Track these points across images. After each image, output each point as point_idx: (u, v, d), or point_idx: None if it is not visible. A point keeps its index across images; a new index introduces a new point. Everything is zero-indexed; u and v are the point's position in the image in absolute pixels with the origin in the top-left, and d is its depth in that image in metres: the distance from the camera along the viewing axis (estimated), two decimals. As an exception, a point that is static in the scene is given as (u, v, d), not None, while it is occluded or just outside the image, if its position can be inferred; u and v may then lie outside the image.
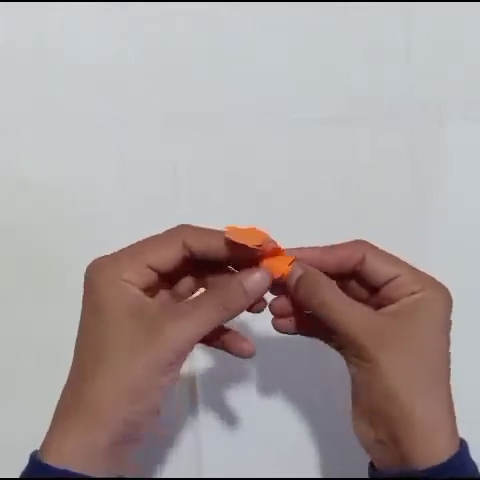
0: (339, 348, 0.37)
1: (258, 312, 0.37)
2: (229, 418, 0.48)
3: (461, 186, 0.51)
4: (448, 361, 0.35)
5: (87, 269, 0.35)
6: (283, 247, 0.37)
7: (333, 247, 0.37)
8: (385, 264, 0.36)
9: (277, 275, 0.36)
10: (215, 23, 0.51)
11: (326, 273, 0.36)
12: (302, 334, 0.39)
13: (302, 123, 0.51)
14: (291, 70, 0.51)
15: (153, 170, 0.50)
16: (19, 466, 0.34)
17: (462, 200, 0.51)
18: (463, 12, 0.52)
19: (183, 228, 0.36)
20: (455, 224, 0.51)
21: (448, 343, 0.35)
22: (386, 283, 0.36)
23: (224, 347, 0.38)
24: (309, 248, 0.37)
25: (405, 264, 0.36)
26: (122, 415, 0.33)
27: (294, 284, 0.36)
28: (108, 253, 0.36)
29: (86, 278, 0.35)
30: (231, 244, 0.35)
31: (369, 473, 0.37)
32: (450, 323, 0.35)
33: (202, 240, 0.36)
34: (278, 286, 0.37)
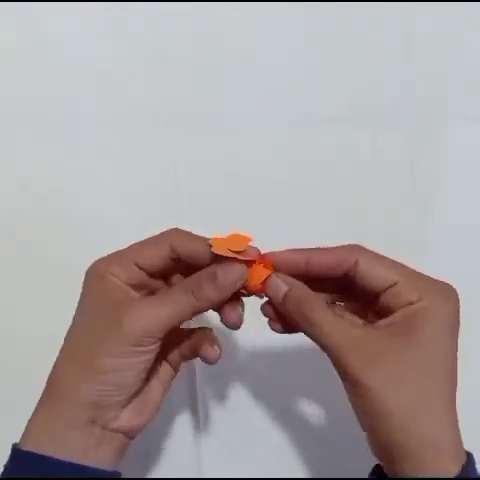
0: None
1: (234, 329, 0.37)
2: (229, 418, 0.48)
3: (461, 186, 0.51)
4: (450, 373, 0.33)
5: (87, 272, 0.37)
6: (263, 253, 0.36)
7: (323, 249, 0.36)
8: (380, 269, 0.35)
9: (252, 283, 0.36)
10: (215, 23, 0.51)
11: (318, 277, 0.36)
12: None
13: (302, 123, 0.51)
14: (291, 70, 0.51)
15: (153, 170, 0.50)
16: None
17: (462, 200, 0.51)
18: (463, 12, 0.52)
19: (172, 232, 0.38)
20: (455, 224, 0.51)
21: (451, 355, 0.33)
22: (383, 291, 0.34)
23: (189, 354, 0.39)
24: (297, 251, 0.36)
25: (403, 268, 0.35)
26: (86, 395, 0.34)
27: (280, 300, 0.36)
28: (107, 254, 0.37)
29: (85, 275, 0.37)
30: (215, 254, 0.36)
31: (373, 473, 0.36)
32: (456, 329, 0.33)
33: (187, 245, 0.37)
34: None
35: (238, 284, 0.35)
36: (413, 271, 0.35)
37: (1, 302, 0.49)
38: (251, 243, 0.36)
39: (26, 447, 0.34)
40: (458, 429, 0.33)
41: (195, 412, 0.48)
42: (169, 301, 0.35)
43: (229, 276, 0.35)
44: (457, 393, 0.34)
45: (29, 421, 0.35)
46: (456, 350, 0.33)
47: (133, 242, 0.38)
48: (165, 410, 0.48)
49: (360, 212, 0.51)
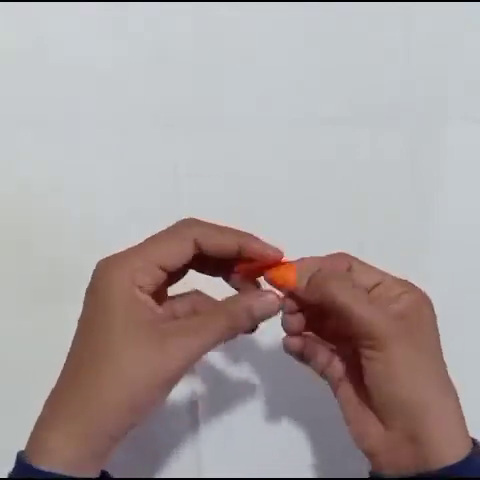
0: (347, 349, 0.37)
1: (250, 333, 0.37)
2: (229, 418, 0.48)
3: (461, 186, 0.51)
4: (442, 355, 0.35)
5: (98, 266, 0.35)
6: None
7: (320, 258, 0.37)
8: (369, 271, 0.37)
9: (280, 282, 0.36)
10: (215, 23, 0.51)
11: None
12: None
13: (302, 123, 0.51)
14: (291, 70, 0.51)
15: (153, 170, 0.50)
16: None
17: (462, 200, 0.51)
18: (463, 12, 0.52)
19: (193, 224, 0.36)
20: (455, 224, 0.51)
21: (438, 338, 0.36)
22: (373, 288, 0.36)
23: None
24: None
25: (386, 272, 0.37)
26: (123, 424, 0.33)
27: (307, 284, 0.36)
28: (108, 254, 0.35)
29: (96, 276, 0.35)
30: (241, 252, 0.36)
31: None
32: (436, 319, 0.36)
33: (215, 241, 0.36)
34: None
35: (272, 315, 0.36)
36: (390, 274, 0.37)
37: (1, 302, 0.49)
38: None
39: (46, 467, 0.32)
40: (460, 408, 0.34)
41: (195, 412, 0.48)
42: (209, 335, 0.34)
43: (265, 311, 0.36)
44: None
45: (43, 440, 0.33)
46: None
47: (133, 242, 0.36)
48: (165, 410, 0.48)
49: (360, 212, 0.51)
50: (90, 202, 0.50)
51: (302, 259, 0.37)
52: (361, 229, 0.50)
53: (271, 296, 0.36)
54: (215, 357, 0.48)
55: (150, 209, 0.50)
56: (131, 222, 0.49)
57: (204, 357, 0.47)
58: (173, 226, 0.36)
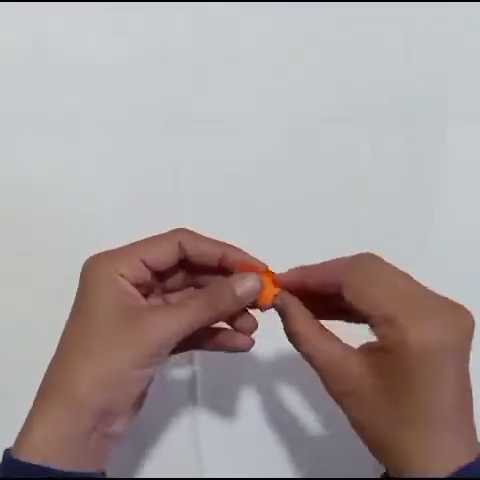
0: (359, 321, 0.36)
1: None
2: (229, 418, 0.48)
3: (461, 186, 0.51)
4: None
5: (85, 262, 0.36)
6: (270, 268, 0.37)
7: (319, 265, 0.37)
8: (363, 293, 0.34)
9: (262, 301, 0.37)
10: (215, 23, 0.51)
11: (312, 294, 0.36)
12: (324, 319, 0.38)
13: (302, 123, 0.51)
14: (291, 70, 0.51)
15: (153, 170, 0.50)
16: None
17: (462, 200, 0.51)
18: (463, 12, 0.52)
19: (181, 231, 0.37)
20: (455, 224, 0.51)
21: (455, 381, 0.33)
22: (365, 319, 0.35)
23: (218, 348, 0.39)
24: (297, 272, 0.37)
25: (385, 291, 0.34)
26: (97, 403, 0.33)
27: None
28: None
29: (83, 268, 0.36)
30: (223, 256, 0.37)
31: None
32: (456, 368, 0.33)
33: (197, 246, 0.37)
34: None
35: (255, 295, 0.36)
36: (397, 296, 0.34)
37: (1, 302, 0.49)
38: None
39: (26, 458, 0.33)
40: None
41: (195, 412, 0.48)
42: (190, 311, 0.35)
43: (247, 289, 0.36)
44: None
45: (29, 428, 0.33)
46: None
47: (132, 242, 0.37)
48: (165, 410, 0.48)
49: (360, 212, 0.51)
50: (90, 202, 0.50)
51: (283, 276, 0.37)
52: (361, 229, 0.50)
53: (253, 274, 0.36)
54: (216, 356, 0.48)
55: (150, 209, 0.50)
56: (131, 222, 0.49)
57: (205, 356, 0.48)
58: (164, 232, 0.38)
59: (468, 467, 0.32)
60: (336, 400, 0.34)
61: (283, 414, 0.49)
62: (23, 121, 0.50)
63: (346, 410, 0.34)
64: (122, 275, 0.35)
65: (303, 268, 0.37)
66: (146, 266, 0.36)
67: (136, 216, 0.49)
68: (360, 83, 0.51)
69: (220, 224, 0.48)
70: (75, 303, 0.36)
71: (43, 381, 0.35)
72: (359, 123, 0.51)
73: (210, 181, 0.50)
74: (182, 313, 0.35)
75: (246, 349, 0.38)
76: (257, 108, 0.51)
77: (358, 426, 0.34)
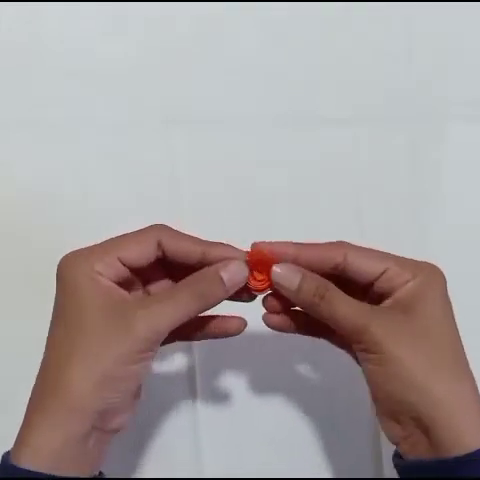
0: (343, 345, 0.37)
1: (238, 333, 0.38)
2: (230, 417, 0.48)
3: (461, 186, 0.51)
4: (459, 340, 0.35)
5: (60, 260, 0.36)
6: (254, 244, 0.36)
7: (311, 245, 0.36)
8: (370, 261, 0.36)
9: (261, 287, 0.36)
10: (215, 23, 0.51)
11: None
12: (301, 333, 0.39)
13: (302, 123, 0.51)
14: (291, 70, 0.51)
15: (152, 170, 0.50)
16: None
17: (462, 200, 0.51)
18: (464, 12, 0.52)
19: (159, 228, 0.36)
20: (455, 224, 0.51)
21: (454, 322, 0.35)
22: (376, 279, 0.35)
23: (209, 336, 0.38)
24: (283, 243, 0.36)
25: (390, 256, 0.36)
26: (94, 404, 0.33)
27: (296, 288, 0.35)
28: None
29: (59, 268, 0.36)
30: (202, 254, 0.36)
31: (394, 462, 0.36)
32: (450, 302, 0.35)
33: (176, 244, 0.36)
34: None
35: (243, 281, 0.36)
36: (399, 256, 0.36)
37: (1, 302, 0.49)
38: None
39: (25, 464, 0.32)
40: (477, 395, 0.34)
41: (195, 411, 0.48)
42: (177, 302, 0.34)
43: (234, 277, 0.35)
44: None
45: (26, 432, 0.33)
46: (452, 316, 0.35)
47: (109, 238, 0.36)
48: (165, 409, 0.48)
49: (360, 212, 0.51)
50: (90, 202, 0.50)
51: (273, 245, 0.36)
52: (361, 229, 0.50)
53: (238, 262, 0.35)
54: (216, 351, 0.48)
55: (149, 209, 0.49)
56: (130, 222, 0.48)
57: (204, 352, 0.48)
58: (142, 228, 0.37)
59: None
60: (381, 343, 0.33)
61: (285, 413, 0.49)
62: (23, 121, 0.50)
63: (392, 346, 0.33)
64: (100, 273, 0.35)
65: (290, 244, 0.36)
66: (122, 263, 0.35)
67: (135, 216, 0.49)
68: (360, 83, 0.51)
69: (219, 224, 0.48)
70: (57, 305, 0.36)
71: (36, 386, 0.35)
72: (359, 123, 0.51)
73: (209, 181, 0.50)
74: (170, 307, 0.34)
75: (238, 332, 0.38)
76: (257, 108, 0.51)
77: (400, 361, 0.33)
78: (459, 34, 0.52)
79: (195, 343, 0.47)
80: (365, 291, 0.37)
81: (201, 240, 0.37)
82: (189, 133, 0.51)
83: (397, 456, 0.36)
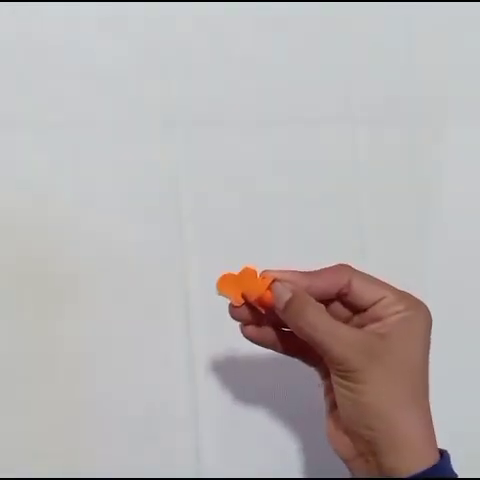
0: (314, 365, 0.39)
1: None
2: (230, 417, 0.48)
3: (461, 186, 0.51)
4: (427, 378, 0.36)
5: None
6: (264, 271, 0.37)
7: (318, 272, 0.37)
8: (371, 286, 0.37)
9: (254, 297, 0.36)
10: (215, 23, 0.51)
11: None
12: (276, 351, 0.39)
13: (302, 123, 0.51)
14: (291, 70, 0.51)
15: (153, 170, 0.50)
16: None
17: (462, 200, 0.51)
18: (464, 12, 0.52)
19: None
20: (455, 224, 0.51)
21: (427, 360, 0.36)
22: (373, 304, 0.37)
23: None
24: (291, 272, 0.37)
25: (389, 286, 0.37)
26: None
27: (283, 307, 0.36)
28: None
29: None
30: None
31: None
32: (429, 342, 0.36)
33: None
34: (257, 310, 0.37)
35: None
36: (396, 288, 0.37)
37: (1, 302, 0.49)
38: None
39: None
40: (433, 428, 0.35)
41: (195, 411, 0.48)
42: None
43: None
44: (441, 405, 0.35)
45: None
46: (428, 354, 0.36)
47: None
48: (165, 409, 0.48)
49: (360, 212, 0.51)
50: (90, 202, 0.50)
51: (284, 274, 0.37)
52: (361, 229, 0.50)
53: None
54: (216, 350, 0.48)
55: (150, 209, 0.49)
56: (131, 222, 0.49)
57: (205, 350, 0.48)
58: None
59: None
60: (357, 371, 0.34)
61: (285, 413, 0.49)
62: (23, 121, 0.50)
63: (367, 376, 0.34)
64: None
65: (296, 272, 0.37)
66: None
67: (135, 216, 0.49)
68: (360, 82, 0.52)
69: (219, 224, 0.48)
70: None
71: None
72: (359, 123, 0.51)
73: (210, 181, 0.50)
74: None
75: None
76: (256, 108, 0.51)
77: (371, 391, 0.34)
78: (459, 34, 0.52)
79: (195, 343, 0.47)
80: (356, 312, 0.38)
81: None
82: (189, 133, 0.51)
83: None
